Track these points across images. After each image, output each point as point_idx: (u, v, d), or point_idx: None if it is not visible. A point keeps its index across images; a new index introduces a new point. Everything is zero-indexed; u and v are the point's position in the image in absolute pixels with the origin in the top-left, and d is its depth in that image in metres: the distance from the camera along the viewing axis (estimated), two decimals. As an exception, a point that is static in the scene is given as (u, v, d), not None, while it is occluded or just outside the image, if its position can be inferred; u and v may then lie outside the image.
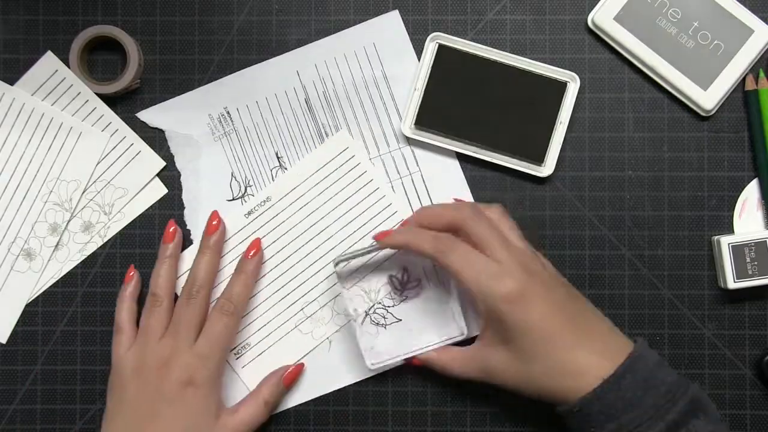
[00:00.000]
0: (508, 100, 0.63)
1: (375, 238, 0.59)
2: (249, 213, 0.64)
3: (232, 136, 0.65)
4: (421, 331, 0.62)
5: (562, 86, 0.63)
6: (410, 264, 0.63)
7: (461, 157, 0.64)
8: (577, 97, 0.63)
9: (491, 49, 0.63)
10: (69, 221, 0.64)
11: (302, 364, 0.63)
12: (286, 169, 0.64)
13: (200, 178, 0.64)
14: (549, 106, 0.63)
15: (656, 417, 0.52)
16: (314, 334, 0.64)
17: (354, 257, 0.61)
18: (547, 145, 0.63)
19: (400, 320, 0.63)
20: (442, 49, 0.63)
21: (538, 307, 0.54)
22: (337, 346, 0.64)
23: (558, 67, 0.64)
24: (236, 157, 0.65)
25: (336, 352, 0.64)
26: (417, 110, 0.63)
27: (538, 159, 0.63)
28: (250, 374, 0.63)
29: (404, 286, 0.63)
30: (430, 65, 0.63)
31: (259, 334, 0.64)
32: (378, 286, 0.63)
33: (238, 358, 0.63)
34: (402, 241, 0.58)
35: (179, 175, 0.64)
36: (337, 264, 0.61)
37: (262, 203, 0.64)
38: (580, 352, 0.54)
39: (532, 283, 0.54)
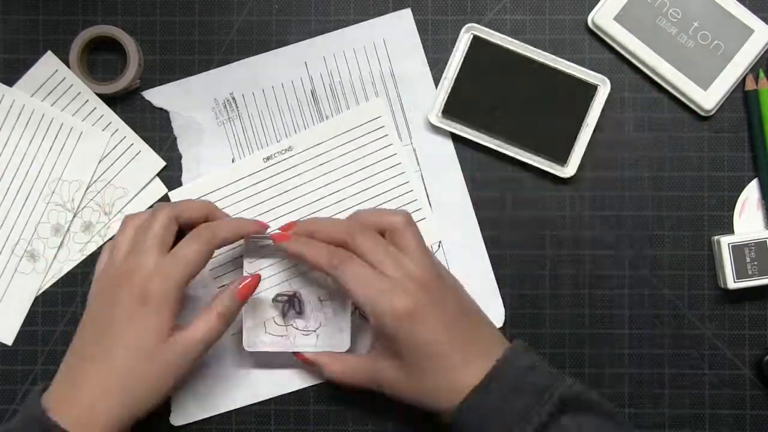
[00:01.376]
0: (536, 97, 0.63)
1: (272, 238, 0.59)
2: (268, 158, 0.64)
3: (235, 122, 0.65)
4: (317, 333, 0.62)
5: (592, 89, 0.63)
6: (303, 286, 0.62)
7: (462, 162, 0.64)
8: (577, 97, 0.64)
9: (525, 45, 0.63)
10: (71, 221, 0.64)
11: (258, 276, 0.59)
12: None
13: (201, 161, 0.64)
14: (577, 107, 0.63)
15: (522, 422, 0.52)
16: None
17: (261, 239, 0.61)
18: (572, 146, 0.63)
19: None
20: (476, 40, 0.63)
21: (428, 325, 0.55)
22: (324, 339, 0.63)
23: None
24: (238, 143, 0.65)
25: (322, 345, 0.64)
26: (445, 99, 0.63)
27: (562, 159, 0.63)
28: None
29: (286, 313, 0.62)
30: (463, 56, 0.63)
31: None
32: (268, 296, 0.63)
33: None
34: (297, 251, 0.58)
35: (180, 157, 0.65)
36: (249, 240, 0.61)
37: (283, 151, 0.64)
38: (465, 367, 0.55)
39: (424, 300, 0.55)
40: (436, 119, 0.64)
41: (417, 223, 0.60)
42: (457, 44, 0.63)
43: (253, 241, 0.62)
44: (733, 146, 0.64)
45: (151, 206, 0.64)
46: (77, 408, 0.53)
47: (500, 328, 0.64)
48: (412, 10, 0.64)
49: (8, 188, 0.64)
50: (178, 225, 0.58)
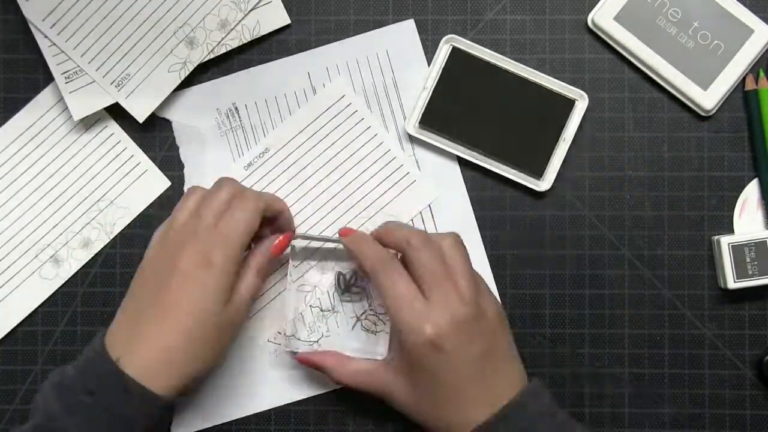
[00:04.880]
0: (514, 110, 0.63)
1: (339, 232, 0.60)
2: (248, 165, 0.64)
3: (238, 132, 0.65)
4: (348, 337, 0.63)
5: (570, 103, 0.63)
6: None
7: (463, 161, 0.64)
8: (577, 97, 0.64)
9: (504, 57, 0.63)
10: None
11: (291, 233, 0.61)
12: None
13: (203, 171, 0.64)
14: (555, 121, 0.63)
15: None
16: (306, 284, 0.64)
17: (313, 239, 0.62)
18: (548, 161, 0.63)
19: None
20: (455, 51, 0.63)
21: (452, 360, 0.54)
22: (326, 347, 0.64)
23: (558, 68, 0.64)
24: (240, 153, 0.65)
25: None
26: (423, 110, 0.63)
27: (538, 173, 0.63)
28: None
29: (348, 287, 0.63)
30: (442, 67, 0.63)
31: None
32: (327, 279, 0.63)
33: None
34: (351, 247, 0.59)
35: (182, 166, 0.65)
36: (294, 239, 0.61)
37: (261, 155, 0.64)
38: (479, 406, 0.54)
39: (452, 336, 0.54)
40: (413, 129, 0.64)
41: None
42: (436, 55, 0.63)
43: (300, 244, 0.62)
44: (733, 146, 0.64)
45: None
46: (141, 361, 0.53)
47: (500, 328, 0.64)
48: (412, 10, 0.64)
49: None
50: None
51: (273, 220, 0.60)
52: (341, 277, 0.63)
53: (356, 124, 0.64)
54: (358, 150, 0.64)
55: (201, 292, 0.54)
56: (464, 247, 0.57)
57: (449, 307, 0.54)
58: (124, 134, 0.64)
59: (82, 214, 0.64)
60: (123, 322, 0.56)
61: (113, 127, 0.64)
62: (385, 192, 0.64)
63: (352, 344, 0.62)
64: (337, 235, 0.60)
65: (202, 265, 0.55)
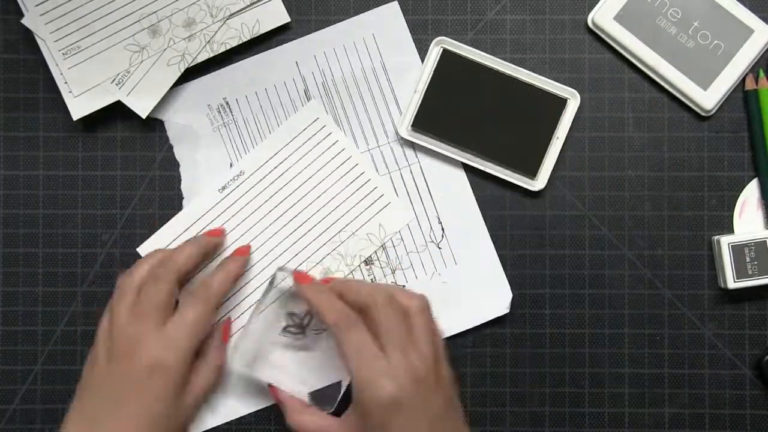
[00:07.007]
0: (507, 110, 0.63)
1: (294, 276, 0.60)
2: (223, 188, 0.64)
3: (231, 127, 0.65)
4: (309, 374, 0.62)
5: (562, 102, 0.63)
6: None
7: (462, 163, 0.64)
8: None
9: (495, 58, 0.63)
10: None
11: (229, 319, 0.63)
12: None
13: (199, 168, 0.64)
14: (547, 121, 0.63)
15: None
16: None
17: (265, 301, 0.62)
18: (542, 160, 0.63)
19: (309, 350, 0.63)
20: (446, 53, 0.63)
21: (405, 421, 0.52)
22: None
23: (558, 68, 0.64)
24: (235, 148, 0.65)
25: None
26: (415, 112, 0.63)
27: (531, 173, 0.63)
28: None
29: (303, 329, 0.62)
30: (433, 69, 0.63)
31: (239, 308, 0.64)
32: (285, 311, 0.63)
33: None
34: (311, 299, 0.57)
35: (178, 165, 0.65)
36: (278, 270, 0.61)
37: (236, 177, 0.64)
38: None
39: (412, 393, 0.53)
40: (406, 132, 0.64)
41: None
42: (427, 57, 0.63)
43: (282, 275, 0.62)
44: (733, 146, 0.64)
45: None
46: None
47: (501, 325, 0.64)
48: (412, 10, 0.64)
49: None
50: (179, 284, 0.60)
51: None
52: (293, 317, 0.62)
53: (330, 147, 0.64)
54: (332, 173, 0.64)
55: (151, 400, 0.56)
56: (430, 311, 0.56)
57: (409, 367, 0.53)
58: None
59: (227, 16, 0.62)
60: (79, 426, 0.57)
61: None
62: (359, 215, 0.64)
63: (305, 386, 0.61)
64: (292, 281, 0.60)
65: (150, 373, 0.56)
